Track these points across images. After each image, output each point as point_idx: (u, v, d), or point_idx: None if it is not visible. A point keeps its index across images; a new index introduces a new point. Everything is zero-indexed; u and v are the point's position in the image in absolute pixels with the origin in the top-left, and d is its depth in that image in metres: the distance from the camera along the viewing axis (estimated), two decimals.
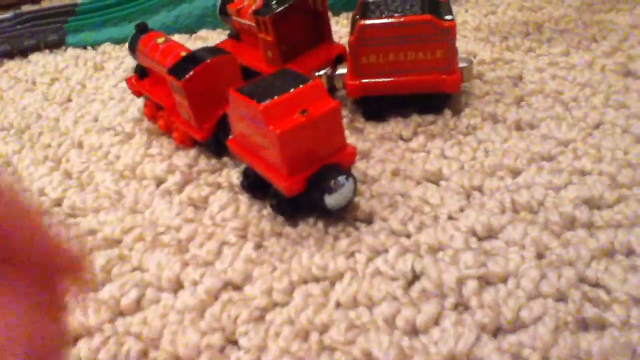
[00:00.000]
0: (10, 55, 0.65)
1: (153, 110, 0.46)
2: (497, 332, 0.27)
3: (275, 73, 0.35)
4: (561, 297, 0.28)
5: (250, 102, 0.32)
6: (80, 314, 0.30)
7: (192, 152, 0.42)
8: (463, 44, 0.53)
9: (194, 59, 0.39)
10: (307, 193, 0.33)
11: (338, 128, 0.34)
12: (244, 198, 0.37)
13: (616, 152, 0.36)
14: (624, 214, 0.31)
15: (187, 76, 0.38)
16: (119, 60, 0.60)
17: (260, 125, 0.32)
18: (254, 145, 0.34)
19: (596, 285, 0.28)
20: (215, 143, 0.41)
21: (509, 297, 0.28)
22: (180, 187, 0.39)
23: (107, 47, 0.63)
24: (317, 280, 0.31)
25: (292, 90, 0.32)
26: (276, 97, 0.32)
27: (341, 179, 0.33)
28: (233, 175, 0.39)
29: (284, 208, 0.35)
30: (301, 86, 0.32)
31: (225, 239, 0.34)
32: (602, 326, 0.26)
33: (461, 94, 0.44)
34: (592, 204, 0.33)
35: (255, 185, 0.36)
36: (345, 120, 0.43)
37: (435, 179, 0.36)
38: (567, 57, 0.48)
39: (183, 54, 0.41)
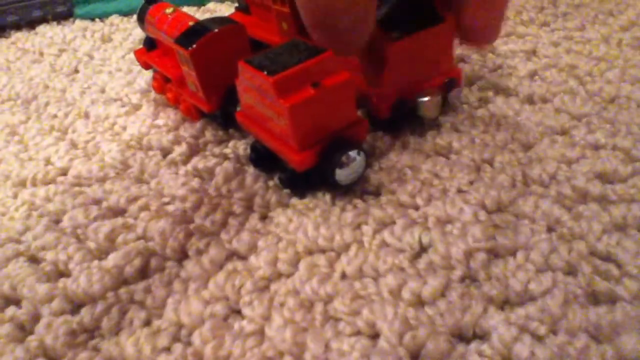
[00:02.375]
0: (17, 27, 0.65)
1: (162, 84, 0.45)
2: (504, 304, 0.26)
3: (285, 44, 0.34)
4: (571, 271, 0.27)
5: (260, 74, 0.31)
6: (84, 280, 0.30)
7: (199, 123, 0.42)
8: None
9: (202, 28, 0.39)
10: (317, 167, 0.32)
11: (350, 101, 0.33)
12: (250, 169, 0.37)
13: (631, 126, 0.35)
14: (638, 188, 0.31)
15: (195, 45, 0.37)
16: (126, 32, 0.59)
17: (271, 98, 0.31)
18: (264, 118, 0.33)
19: (607, 259, 0.28)
20: (223, 115, 0.40)
21: (517, 270, 0.27)
22: (187, 158, 0.39)
23: (115, 19, 0.62)
24: (322, 251, 0.30)
25: (303, 62, 0.31)
26: (287, 70, 0.31)
27: (352, 153, 0.32)
28: (240, 146, 0.39)
29: (293, 182, 0.34)
30: (313, 58, 0.31)
31: (231, 209, 0.34)
32: (612, 300, 0.26)
33: (472, 67, 0.43)
34: (606, 178, 0.32)
35: (264, 160, 0.36)
36: None
37: (445, 152, 0.36)
38: (582, 31, 0.47)
39: (191, 24, 0.40)
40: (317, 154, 0.32)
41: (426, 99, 0.36)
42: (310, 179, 0.33)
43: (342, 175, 0.32)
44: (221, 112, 0.40)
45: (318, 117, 0.32)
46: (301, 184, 0.34)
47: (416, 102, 0.36)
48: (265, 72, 0.31)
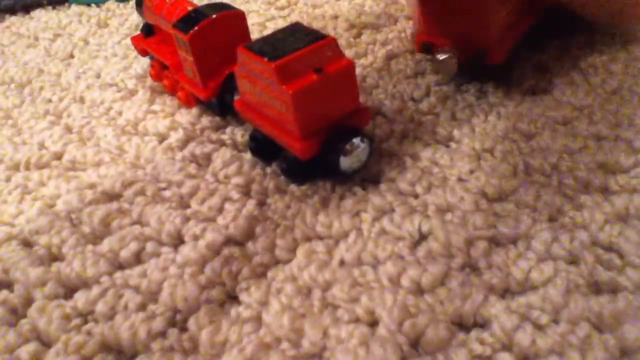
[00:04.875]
0: (12, 11, 0.64)
1: (159, 71, 0.44)
2: (505, 293, 0.26)
3: (285, 29, 0.34)
4: (573, 260, 0.27)
5: (261, 60, 0.30)
6: (78, 265, 0.30)
7: (195, 110, 0.41)
8: None
9: (201, 13, 0.38)
10: (320, 156, 0.32)
11: (353, 87, 0.32)
12: (247, 156, 0.36)
13: (633, 118, 0.35)
14: None
15: (194, 29, 0.37)
16: (123, 18, 0.58)
17: (273, 85, 0.30)
18: (264, 106, 0.33)
19: (609, 249, 0.27)
20: (220, 104, 0.39)
21: (519, 259, 0.27)
22: (183, 144, 0.38)
23: (111, 4, 0.61)
24: (321, 238, 0.30)
25: (305, 47, 0.30)
26: (289, 55, 0.30)
27: (356, 140, 0.31)
28: (237, 132, 0.38)
29: (295, 171, 0.33)
30: (314, 43, 0.31)
31: (228, 195, 0.33)
32: (614, 289, 0.25)
33: None
34: (608, 168, 0.32)
35: (263, 149, 0.35)
36: None
37: (445, 141, 0.35)
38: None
39: (190, 9, 0.40)
40: (320, 141, 0.31)
41: None
42: (311, 167, 0.33)
43: (346, 163, 0.31)
44: (218, 100, 0.39)
45: (321, 104, 0.31)
46: (303, 173, 0.33)
47: None
48: (266, 58, 0.30)
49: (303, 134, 0.31)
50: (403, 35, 0.46)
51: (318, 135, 0.31)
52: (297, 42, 0.31)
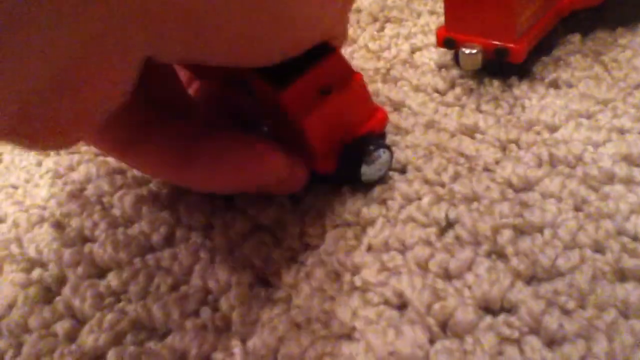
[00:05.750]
0: None
1: None
2: (532, 279, 0.27)
3: None
4: (599, 248, 0.27)
5: (265, 85, 0.28)
6: (110, 246, 0.30)
7: None
8: None
9: None
10: (340, 167, 0.31)
11: (365, 97, 0.31)
12: None
13: None
14: None
15: None
16: None
17: (282, 112, 0.28)
18: (277, 128, 0.31)
19: (635, 238, 0.28)
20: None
21: (545, 246, 0.27)
22: None
23: None
24: (349, 225, 0.31)
25: (311, 66, 0.28)
26: (296, 80, 0.27)
27: (376, 153, 0.31)
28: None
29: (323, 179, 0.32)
30: (320, 60, 0.28)
31: None
32: None
33: None
34: (631, 160, 0.32)
35: None
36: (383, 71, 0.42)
37: (470, 132, 0.36)
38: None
39: None
40: (339, 155, 0.30)
41: None
42: (332, 178, 0.32)
43: (367, 173, 0.31)
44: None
45: (335, 121, 0.30)
46: (330, 179, 0.32)
47: None
48: (272, 84, 0.27)
49: (320, 153, 0.30)
50: (427, 29, 0.46)
51: (335, 149, 0.30)
52: (300, 61, 0.27)
